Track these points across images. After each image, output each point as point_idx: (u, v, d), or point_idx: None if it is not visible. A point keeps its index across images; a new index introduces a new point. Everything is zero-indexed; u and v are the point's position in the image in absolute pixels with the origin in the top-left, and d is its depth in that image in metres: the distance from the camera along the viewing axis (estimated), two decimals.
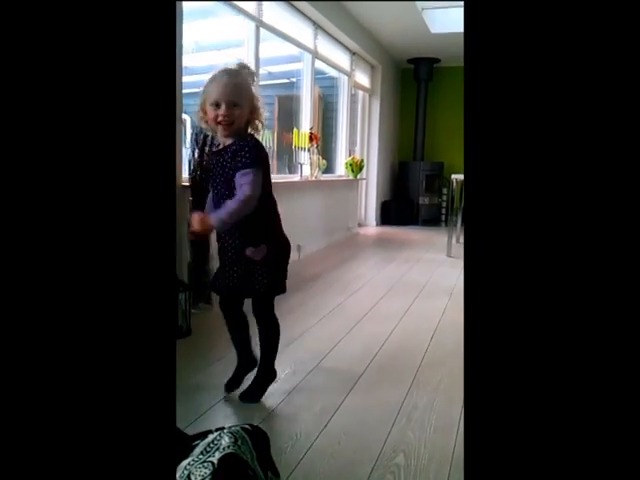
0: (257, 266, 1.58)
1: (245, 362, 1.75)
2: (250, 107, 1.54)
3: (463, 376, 0.73)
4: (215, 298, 2.04)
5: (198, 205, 2.19)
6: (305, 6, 4.27)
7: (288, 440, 1.46)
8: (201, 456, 1.05)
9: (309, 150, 4.62)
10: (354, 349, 2.22)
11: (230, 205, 1.47)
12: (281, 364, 1.86)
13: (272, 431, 1.38)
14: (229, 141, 1.55)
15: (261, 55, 3.78)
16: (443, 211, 7.43)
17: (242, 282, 1.60)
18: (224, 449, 1.05)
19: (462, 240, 5.15)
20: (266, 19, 3.78)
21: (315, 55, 4.79)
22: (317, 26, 4.75)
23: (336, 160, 5.99)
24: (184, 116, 2.73)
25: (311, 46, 4.70)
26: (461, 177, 4.75)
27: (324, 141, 5.46)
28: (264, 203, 1.56)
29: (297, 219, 4.09)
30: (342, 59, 5.59)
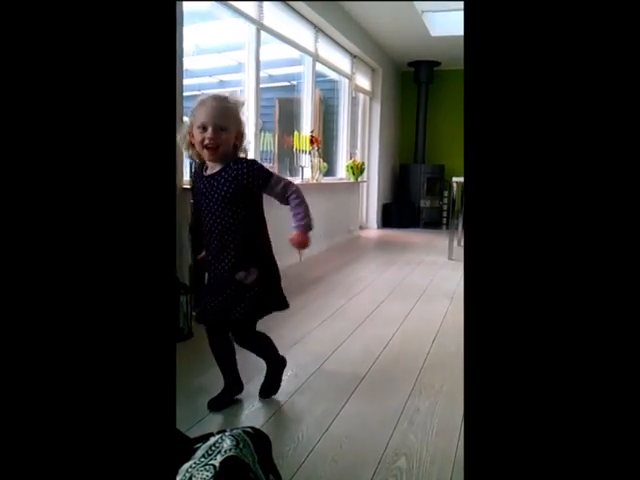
0: (247, 289, 1.55)
1: (232, 385, 1.72)
2: (237, 132, 1.53)
3: (463, 379, 0.73)
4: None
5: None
6: (306, 9, 4.28)
7: (290, 443, 1.46)
8: (203, 459, 1.05)
9: (310, 153, 4.63)
10: (356, 352, 2.22)
11: (299, 210, 1.55)
12: None
13: (274, 434, 1.38)
14: (218, 166, 1.54)
15: (262, 58, 3.78)
16: (444, 214, 7.42)
17: (233, 306, 1.56)
18: (226, 452, 1.05)
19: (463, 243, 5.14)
20: (267, 22, 3.79)
21: (316, 58, 4.80)
22: (318, 29, 4.75)
23: (337, 163, 5.99)
24: (185, 119, 2.73)
25: (312, 49, 4.71)
26: (462, 180, 4.74)
27: (325, 144, 5.46)
28: (256, 225, 1.58)
29: None
30: (343, 62, 5.60)
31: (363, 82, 6.33)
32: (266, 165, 1.63)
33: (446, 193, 7.28)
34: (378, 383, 1.91)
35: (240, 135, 1.55)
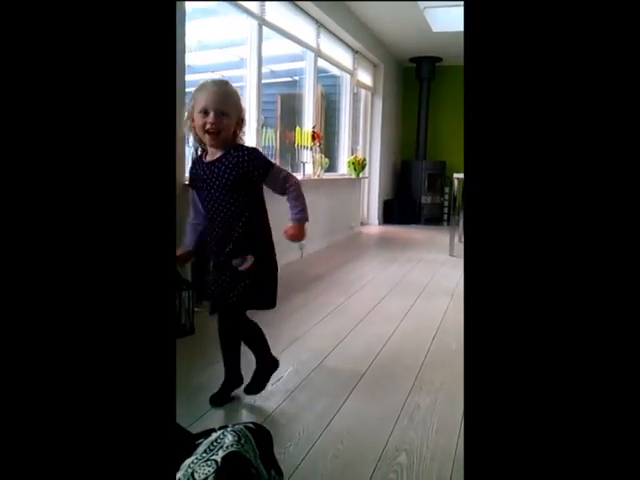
0: (242, 276, 1.55)
1: (232, 378, 1.73)
2: (237, 118, 1.53)
3: (463, 376, 0.73)
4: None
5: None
6: (308, 5, 4.27)
7: (291, 439, 1.47)
8: (204, 454, 1.05)
9: (311, 149, 4.63)
10: (356, 349, 2.22)
11: (297, 202, 1.54)
12: (283, 363, 1.86)
13: (275, 430, 1.39)
14: (219, 152, 1.54)
15: (264, 53, 3.78)
16: (445, 210, 7.42)
17: (228, 291, 1.57)
18: (227, 447, 1.06)
19: None
20: (269, 18, 3.79)
21: (318, 54, 4.79)
22: (320, 25, 4.74)
23: (338, 159, 5.99)
24: (187, 114, 2.72)
25: (314, 45, 4.70)
26: (463, 176, 4.74)
27: (326, 140, 5.46)
28: (257, 213, 1.58)
29: None
30: (344, 58, 5.59)
31: (365, 78, 6.32)
32: None
33: (447, 189, 7.28)
34: (379, 380, 1.91)
35: (240, 121, 1.55)
